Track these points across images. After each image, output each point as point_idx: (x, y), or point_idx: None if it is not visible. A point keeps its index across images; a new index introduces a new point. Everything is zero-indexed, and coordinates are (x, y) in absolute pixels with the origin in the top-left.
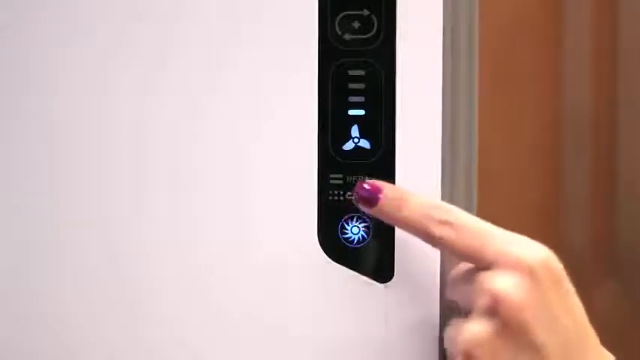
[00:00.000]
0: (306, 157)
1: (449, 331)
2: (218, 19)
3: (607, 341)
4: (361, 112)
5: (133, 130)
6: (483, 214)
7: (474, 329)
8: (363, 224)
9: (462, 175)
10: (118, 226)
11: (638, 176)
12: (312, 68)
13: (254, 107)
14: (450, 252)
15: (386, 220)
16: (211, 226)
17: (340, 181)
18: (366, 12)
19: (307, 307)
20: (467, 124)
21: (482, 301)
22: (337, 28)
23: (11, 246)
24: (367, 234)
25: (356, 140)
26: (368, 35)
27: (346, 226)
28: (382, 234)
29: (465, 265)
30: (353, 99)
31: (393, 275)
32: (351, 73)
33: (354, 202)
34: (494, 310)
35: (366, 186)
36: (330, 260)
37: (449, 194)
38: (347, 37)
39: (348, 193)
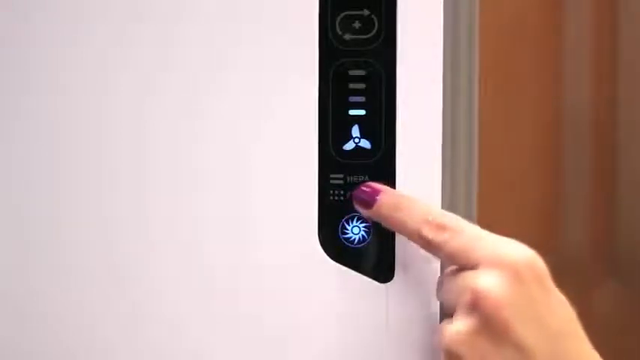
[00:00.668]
0: (307, 157)
1: (436, 331)
2: (218, 19)
3: (607, 341)
4: (362, 112)
5: (133, 130)
6: (483, 214)
7: (455, 327)
8: (363, 224)
9: (462, 175)
10: (118, 226)
11: (638, 176)
12: (313, 68)
13: (254, 107)
14: (442, 255)
15: (382, 223)
16: (211, 226)
17: (341, 181)
18: (366, 12)
19: (307, 307)
20: (467, 123)
21: (464, 299)
22: (338, 28)
23: (11, 246)
24: (368, 234)
25: (356, 140)
26: (368, 35)
27: (347, 226)
28: (382, 234)
29: (452, 267)
30: (353, 99)
31: (393, 275)
32: (352, 73)
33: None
34: (475, 308)
35: (364, 188)
36: (330, 260)
37: (449, 194)
38: (347, 37)
39: (349, 193)
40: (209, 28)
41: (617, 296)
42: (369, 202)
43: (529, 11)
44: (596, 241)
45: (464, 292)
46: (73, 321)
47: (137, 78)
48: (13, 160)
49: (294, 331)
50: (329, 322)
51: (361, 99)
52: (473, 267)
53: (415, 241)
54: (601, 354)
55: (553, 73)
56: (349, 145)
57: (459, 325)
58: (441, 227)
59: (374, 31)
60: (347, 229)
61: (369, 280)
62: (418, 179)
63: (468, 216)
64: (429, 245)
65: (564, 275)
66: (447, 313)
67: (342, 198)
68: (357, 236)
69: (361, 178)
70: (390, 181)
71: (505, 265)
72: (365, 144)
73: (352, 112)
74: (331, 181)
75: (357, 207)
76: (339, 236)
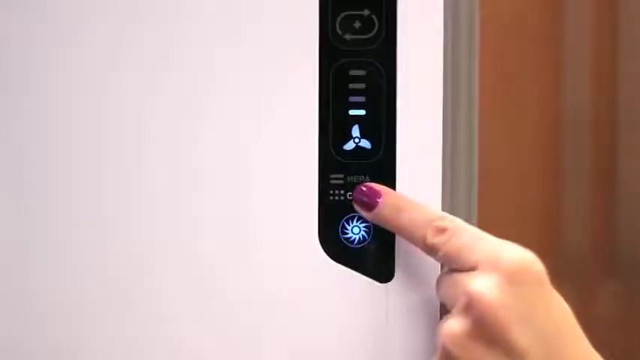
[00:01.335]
0: (307, 157)
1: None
2: (218, 19)
3: (607, 341)
4: (362, 112)
5: (132, 130)
6: (483, 214)
7: (450, 327)
8: (363, 224)
9: (463, 175)
10: (118, 226)
11: (638, 176)
12: (313, 68)
13: (254, 107)
14: (441, 256)
15: (382, 225)
16: (212, 226)
17: (341, 181)
18: (366, 12)
19: (307, 307)
20: (467, 123)
21: (459, 301)
22: (338, 28)
23: (11, 246)
24: (368, 234)
25: (357, 140)
26: (369, 35)
27: (347, 226)
28: (382, 234)
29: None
30: (353, 99)
31: (393, 275)
32: (352, 73)
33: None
34: (469, 310)
35: (364, 189)
36: (330, 260)
37: (449, 194)
38: (348, 37)
39: (349, 193)
40: (209, 28)
41: (617, 296)
42: (370, 204)
43: (529, 11)
44: (596, 241)
45: (460, 293)
46: (73, 321)
47: (137, 78)
48: (13, 159)
49: (294, 331)
50: (329, 322)
51: (361, 99)
52: (471, 268)
53: (414, 243)
54: (601, 354)
55: (553, 73)
56: (349, 145)
57: (454, 326)
58: (441, 229)
59: (374, 31)
60: (347, 229)
61: (369, 280)
62: (418, 179)
63: (468, 216)
64: (428, 247)
65: (564, 275)
66: (446, 312)
67: (342, 198)
68: (357, 236)
69: (361, 178)
70: (390, 181)
71: (502, 268)
72: (365, 144)
73: (352, 112)
74: (331, 181)
75: (358, 209)
76: (339, 236)
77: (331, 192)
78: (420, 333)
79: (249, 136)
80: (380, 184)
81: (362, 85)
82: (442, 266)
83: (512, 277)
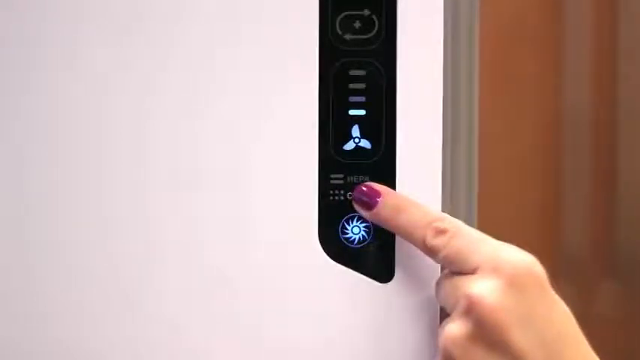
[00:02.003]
0: (307, 157)
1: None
2: (218, 19)
3: (607, 341)
4: (362, 112)
5: (133, 130)
6: (483, 214)
7: (450, 329)
8: (363, 224)
9: (463, 175)
10: (118, 226)
11: (638, 177)
12: (313, 68)
13: (254, 107)
14: (441, 258)
15: (382, 225)
16: (211, 226)
17: (341, 181)
18: (366, 12)
19: (307, 307)
20: (467, 123)
21: (460, 304)
22: (338, 28)
23: (11, 246)
24: (368, 234)
25: (357, 140)
26: (369, 35)
27: (347, 226)
28: (382, 234)
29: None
30: (354, 99)
31: (393, 275)
32: (352, 73)
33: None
34: (469, 313)
35: (364, 189)
36: (330, 260)
37: (449, 194)
38: (348, 37)
39: (349, 193)
40: (209, 28)
41: (617, 296)
42: (370, 204)
43: (529, 11)
44: (596, 241)
45: (460, 296)
46: (73, 321)
47: (137, 78)
48: (13, 159)
49: (294, 331)
50: (329, 322)
51: (361, 99)
52: (471, 271)
53: (414, 244)
54: (601, 354)
55: (553, 73)
56: (349, 145)
57: (454, 328)
58: (441, 231)
59: (374, 31)
60: (347, 229)
61: (369, 280)
62: (418, 179)
63: (468, 216)
64: (427, 248)
65: (564, 275)
66: (446, 314)
67: (342, 198)
68: (357, 236)
69: (361, 178)
70: (390, 181)
71: (503, 270)
72: (365, 144)
73: (352, 112)
74: (331, 181)
75: (357, 209)
76: (339, 236)
77: (331, 192)
78: (420, 333)
79: (249, 136)
80: (380, 184)
81: (362, 85)
82: (442, 267)
83: (513, 281)
